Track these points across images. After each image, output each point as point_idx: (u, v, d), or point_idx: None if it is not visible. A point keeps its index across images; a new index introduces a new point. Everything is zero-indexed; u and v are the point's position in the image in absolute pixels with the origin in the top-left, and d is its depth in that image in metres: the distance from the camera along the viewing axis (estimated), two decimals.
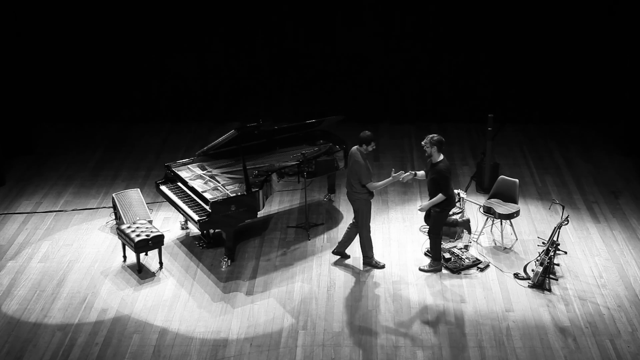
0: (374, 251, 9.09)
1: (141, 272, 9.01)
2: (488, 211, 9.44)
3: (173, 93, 13.23)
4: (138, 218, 9.53)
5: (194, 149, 11.39)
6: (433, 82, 12.97)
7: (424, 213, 8.99)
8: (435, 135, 8.54)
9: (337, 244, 9.26)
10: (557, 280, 8.76)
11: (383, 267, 9.03)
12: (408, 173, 8.75)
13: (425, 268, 9.00)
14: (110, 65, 12.97)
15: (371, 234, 8.99)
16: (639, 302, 8.46)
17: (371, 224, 8.98)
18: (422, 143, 8.59)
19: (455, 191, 9.78)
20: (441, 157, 8.54)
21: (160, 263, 9.13)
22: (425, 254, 9.26)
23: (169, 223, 10.10)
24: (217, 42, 12.83)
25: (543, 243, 9.25)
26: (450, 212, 9.50)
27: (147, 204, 9.98)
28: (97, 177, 11.45)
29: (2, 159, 11.23)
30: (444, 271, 8.98)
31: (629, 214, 10.22)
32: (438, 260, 8.99)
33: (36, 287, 8.79)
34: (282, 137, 10.19)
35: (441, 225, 8.84)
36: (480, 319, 8.19)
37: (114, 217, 10.06)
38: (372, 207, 8.96)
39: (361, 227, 8.91)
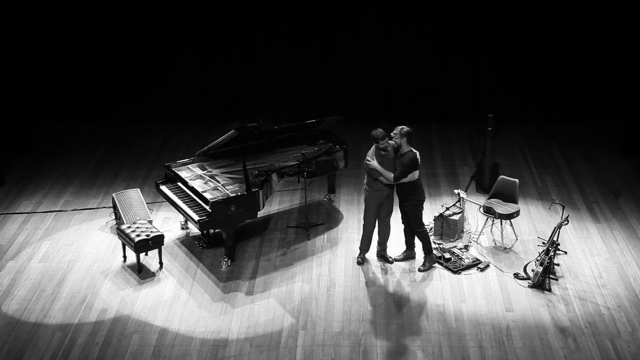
0: (383, 248, 9.22)
1: (141, 272, 9.01)
2: (488, 211, 9.44)
3: (173, 93, 13.24)
4: (138, 218, 9.53)
5: (194, 149, 11.40)
6: (433, 82, 12.97)
7: (417, 225, 9.00)
8: (405, 127, 8.58)
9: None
10: (557, 280, 8.76)
11: (359, 263, 9.08)
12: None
13: (423, 268, 9.02)
14: (110, 65, 12.97)
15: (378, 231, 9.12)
16: (639, 302, 8.46)
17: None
18: (392, 134, 8.62)
19: (456, 191, 9.82)
20: (409, 148, 8.60)
21: (160, 263, 9.13)
22: None
23: (169, 223, 10.10)
24: (218, 42, 12.83)
25: (543, 243, 9.25)
26: (450, 212, 9.52)
27: (147, 204, 9.98)
28: (97, 177, 11.45)
29: (2, 159, 11.23)
30: (444, 271, 8.98)
31: (629, 214, 10.22)
32: (430, 253, 9.02)
33: (36, 287, 8.79)
34: (282, 137, 10.18)
35: (421, 217, 8.89)
36: (480, 319, 8.19)
37: (114, 217, 10.06)
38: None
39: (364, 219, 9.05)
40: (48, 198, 10.80)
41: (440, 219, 9.56)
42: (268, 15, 12.64)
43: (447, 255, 9.12)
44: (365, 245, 9.15)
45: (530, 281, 8.71)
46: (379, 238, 9.13)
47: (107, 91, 13.16)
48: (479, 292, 8.63)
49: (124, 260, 9.24)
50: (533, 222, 10.02)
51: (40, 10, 12.54)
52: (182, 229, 9.92)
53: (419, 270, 9.00)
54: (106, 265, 9.18)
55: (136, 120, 13.27)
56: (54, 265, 9.20)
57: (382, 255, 9.19)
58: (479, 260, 9.15)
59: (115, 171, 11.62)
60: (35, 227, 10.05)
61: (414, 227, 8.95)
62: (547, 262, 8.56)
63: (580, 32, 12.42)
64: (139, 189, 10.17)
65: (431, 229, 9.68)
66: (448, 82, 12.95)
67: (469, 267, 9.05)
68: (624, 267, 9.07)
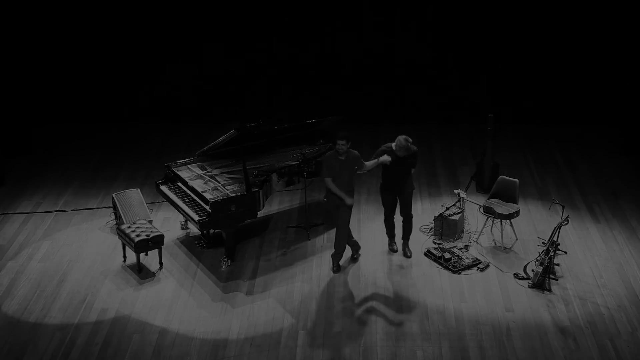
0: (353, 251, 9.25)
1: (141, 272, 9.01)
2: (488, 211, 9.44)
3: (173, 93, 13.24)
4: (138, 218, 9.53)
5: (194, 149, 11.36)
6: (433, 82, 12.97)
7: (410, 212, 9.09)
8: (406, 137, 8.65)
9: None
10: (557, 280, 8.76)
11: (333, 270, 8.98)
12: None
13: (409, 253, 9.26)
14: (110, 65, 12.98)
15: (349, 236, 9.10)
16: (639, 302, 8.46)
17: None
18: (398, 147, 8.63)
19: (455, 191, 9.82)
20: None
21: (160, 263, 9.13)
22: (426, 254, 9.25)
23: (169, 223, 10.10)
24: (217, 42, 12.83)
25: (543, 243, 9.25)
26: (450, 212, 9.52)
27: (147, 204, 9.98)
28: (97, 177, 11.45)
29: (2, 159, 11.23)
30: (444, 271, 8.98)
31: (629, 214, 10.21)
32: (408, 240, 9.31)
33: (36, 287, 8.79)
34: (282, 137, 10.18)
35: (411, 203, 9.13)
36: (480, 319, 8.19)
37: (114, 217, 10.06)
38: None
39: None
40: (48, 198, 10.80)
41: (440, 219, 9.56)
42: (268, 15, 12.64)
43: (447, 255, 9.12)
44: (354, 247, 9.22)
45: (530, 281, 8.71)
46: (336, 245, 8.98)
47: (107, 91, 13.16)
48: (479, 292, 8.63)
49: (124, 260, 9.24)
50: (533, 222, 10.02)
51: (40, 10, 12.53)
52: (182, 229, 9.92)
53: (406, 256, 9.17)
54: (106, 265, 9.18)
55: (136, 120, 13.27)
56: (54, 265, 9.20)
57: (336, 261, 9.00)
58: (479, 260, 9.15)
59: (115, 171, 11.62)
60: (35, 227, 10.05)
61: (407, 214, 9.11)
62: (547, 262, 8.56)
63: (580, 32, 12.42)
64: (139, 189, 10.17)
65: (431, 229, 9.69)
66: (448, 82, 12.95)
67: (469, 267, 9.05)
68: (624, 267, 9.07)
